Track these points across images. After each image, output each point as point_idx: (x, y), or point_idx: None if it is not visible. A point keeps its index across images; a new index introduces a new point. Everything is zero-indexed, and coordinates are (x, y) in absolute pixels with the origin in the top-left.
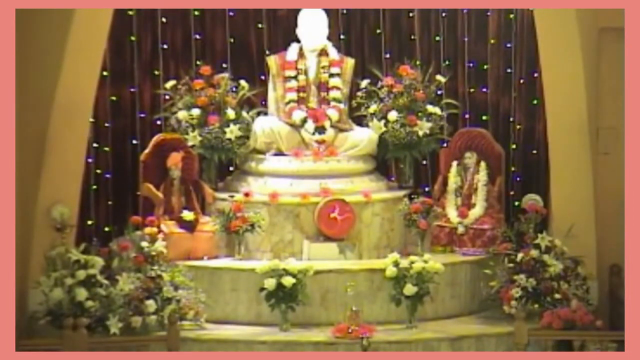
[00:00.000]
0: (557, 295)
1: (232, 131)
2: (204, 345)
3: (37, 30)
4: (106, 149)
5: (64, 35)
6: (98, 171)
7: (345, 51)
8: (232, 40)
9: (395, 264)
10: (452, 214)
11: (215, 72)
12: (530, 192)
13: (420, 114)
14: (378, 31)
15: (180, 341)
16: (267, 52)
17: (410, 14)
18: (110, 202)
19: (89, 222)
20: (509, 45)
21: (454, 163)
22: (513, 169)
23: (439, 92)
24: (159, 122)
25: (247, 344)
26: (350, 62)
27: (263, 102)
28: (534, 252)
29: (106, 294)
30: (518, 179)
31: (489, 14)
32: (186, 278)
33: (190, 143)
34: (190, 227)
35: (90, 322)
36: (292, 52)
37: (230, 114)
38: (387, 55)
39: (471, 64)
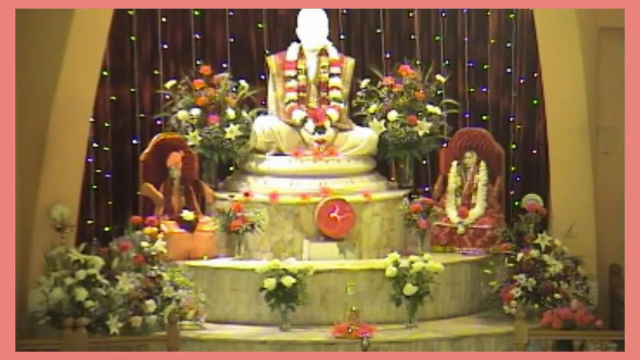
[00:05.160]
0: (557, 295)
1: (232, 131)
2: (204, 345)
3: (37, 30)
4: (106, 149)
5: (64, 35)
6: (98, 171)
7: (345, 51)
8: (232, 40)
9: (395, 263)
10: (452, 213)
11: (215, 72)
12: (530, 192)
13: (420, 113)
14: (378, 31)
15: (180, 341)
16: (267, 52)
17: (410, 14)
18: (110, 202)
19: (89, 222)
20: (509, 45)
21: (454, 163)
22: (513, 168)
23: (439, 92)
24: (159, 122)
25: (247, 344)
26: (350, 62)
27: (263, 102)
28: (534, 252)
29: (106, 294)
30: (518, 179)
31: (489, 14)
32: (186, 278)
33: (190, 143)
34: (190, 227)
35: (90, 322)
36: (292, 51)
37: (230, 114)
38: (387, 55)
39: (471, 64)
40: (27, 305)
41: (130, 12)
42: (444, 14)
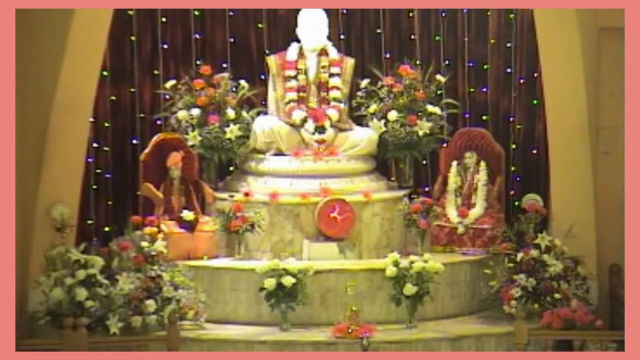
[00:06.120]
0: (557, 295)
1: (232, 131)
2: (204, 345)
3: (37, 30)
4: (106, 148)
5: (64, 35)
6: (98, 171)
7: (345, 51)
8: (232, 40)
9: (395, 263)
10: (452, 213)
11: (215, 72)
12: (530, 192)
13: (420, 114)
14: (378, 31)
15: (180, 341)
16: (267, 52)
17: (410, 14)
18: (110, 202)
19: (89, 222)
20: (509, 45)
21: (454, 163)
22: (513, 168)
23: (439, 92)
24: (159, 122)
25: (247, 344)
26: (350, 62)
27: (263, 102)
28: (534, 252)
29: (106, 294)
30: (518, 178)
31: (489, 14)
32: (186, 278)
33: (190, 143)
34: (190, 227)
35: (90, 322)
36: (292, 51)
37: (230, 114)
38: (387, 55)
39: (471, 64)
40: (27, 305)
41: (130, 12)
42: (444, 14)
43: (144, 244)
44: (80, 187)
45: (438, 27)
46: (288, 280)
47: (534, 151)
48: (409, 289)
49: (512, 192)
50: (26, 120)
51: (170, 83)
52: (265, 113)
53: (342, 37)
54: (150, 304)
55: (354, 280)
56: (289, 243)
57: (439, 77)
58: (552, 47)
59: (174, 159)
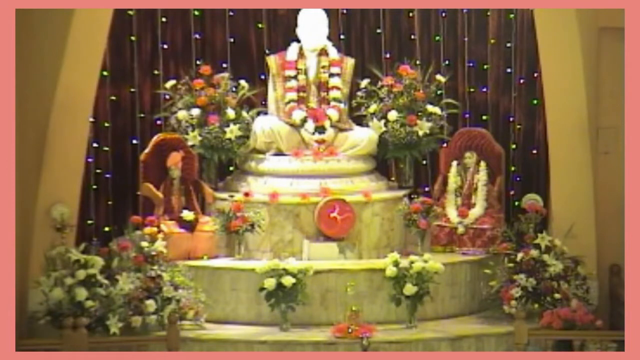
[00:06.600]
0: (557, 295)
1: (232, 131)
2: (204, 345)
3: (37, 30)
4: (106, 148)
5: (64, 35)
6: (98, 171)
7: (345, 51)
8: (232, 40)
9: (395, 263)
10: (452, 213)
11: (215, 72)
12: (530, 192)
13: (420, 113)
14: (378, 31)
15: (180, 341)
16: (267, 52)
17: (410, 14)
18: (110, 202)
19: (89, 222)
20: (509, 45)
21: (454, 163)
22: (513, 168)
23: (439, 92)
24: (159, 122)
25: (247, 344)
26: (350, 62)
27: (263, 102)
28: (534, 252)
29: (106, 294)
30: (518, 178)
31: (489, 14)
32: (186, 278)
33: (190, 143)
34: (190, 227)
35: (90, 322)
36: (292, 51)
37: (230, 114)
38: (387, 55)
39: (471, 64)
40: (27, 305)
41: (130, 12)
42: (444, 14)
43: (144, 244)
44: (80, 187)
45: (438, 27)
46: (288, 280)
47: (534, 151)
48: (409, 289)
49: (512, 192)
50: (26, 120)
51: (170, 83)
52: (265, 113)
53: (342, 37)
54: (150, 304)
55: (354, 280)
56: (289, 243)
57: (439, 77)
58: (552, 47)
59: (174, 159)
